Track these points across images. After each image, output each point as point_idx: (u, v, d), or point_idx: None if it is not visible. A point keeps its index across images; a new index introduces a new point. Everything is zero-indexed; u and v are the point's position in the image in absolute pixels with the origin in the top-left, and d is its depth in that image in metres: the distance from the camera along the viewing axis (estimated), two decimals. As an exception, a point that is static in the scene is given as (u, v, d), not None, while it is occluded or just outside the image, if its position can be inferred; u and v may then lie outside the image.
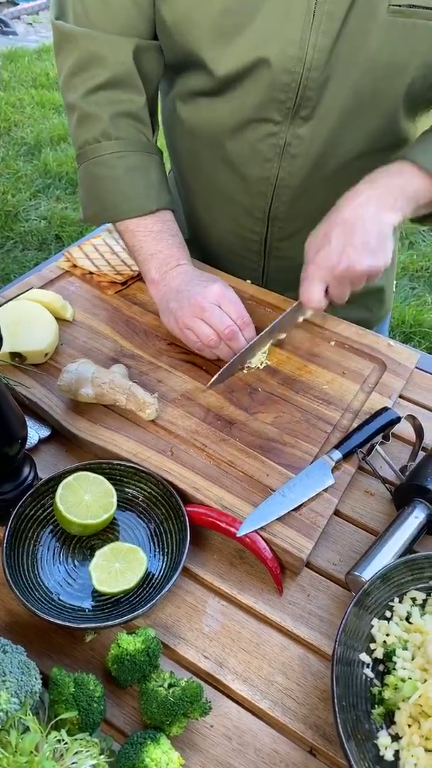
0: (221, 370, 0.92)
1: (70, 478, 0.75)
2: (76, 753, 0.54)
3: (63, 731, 0.55)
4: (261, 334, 0.94)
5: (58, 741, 0.54)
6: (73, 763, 0.53)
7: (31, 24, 6.52)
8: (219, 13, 0.86)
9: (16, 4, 6.75)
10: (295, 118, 0.92)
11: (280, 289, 1.10)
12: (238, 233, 1.11)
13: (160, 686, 0.61)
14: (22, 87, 4.58)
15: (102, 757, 0.55)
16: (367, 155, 0.97)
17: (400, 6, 0.82)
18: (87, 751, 0.54)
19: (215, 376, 0.91)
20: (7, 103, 4.23)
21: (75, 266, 1.12)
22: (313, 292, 0.87)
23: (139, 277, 1.12)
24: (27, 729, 0.54)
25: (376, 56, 0.86)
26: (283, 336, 0.99)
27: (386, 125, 0.95)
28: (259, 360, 0.96)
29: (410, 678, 0.62)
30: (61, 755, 0.54)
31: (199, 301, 0.91)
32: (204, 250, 1.18)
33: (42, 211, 3.26)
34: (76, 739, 0.55)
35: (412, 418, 0.90)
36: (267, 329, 0.94)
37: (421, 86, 0.91)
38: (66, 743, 0.54)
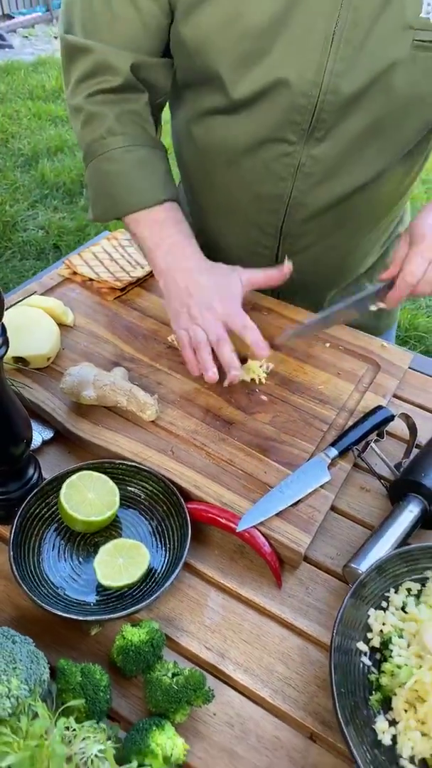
0: (303, 325, 0.98)
1: (74, 477, 0.78)
2: (84, 739, 0.56)
3: (71, 718, 0.57)
4: (339, 306, 0.96)
5: (67, 728, 0.56)
6: (81, 748, 0.55)
7: (27, 37, 6.59)
8: (241, 36, 0.86)
9: (11, 18, 6.82)
10: (310, 140, 0.92)
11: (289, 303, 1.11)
12: (249, 249, 1.11)
13: (164, 675, 0.63)
14: (19, 99, 4.63)
15: (109, 742, 0.57)
16: (381, 173, 0.98)
17: (424, 42, 0.83)
18: (94, 737, 0.56)
19: (297, 329, 0.97)
20: (4, 114, 4.27)
21: (75, 273, 1.14)
22: (419, 267, 0.89)
23: (137, 283, 1.15)
24: (36, 715, 0.56)
25: (396, 88, 0.86)
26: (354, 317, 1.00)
27: (401, 147, 0.96)
28: (263, 369, 0.98)
29: (406, 665, 0.65)
30: (70, 741, 0.56)
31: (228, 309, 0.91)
32: None
33: (40, 221, 3.29)
34: (83, 726, 0.57)
35: (405, 417, 0.93)
36: (347, 303, 0.96)
37: None
38: (74, 730, 0.56)
